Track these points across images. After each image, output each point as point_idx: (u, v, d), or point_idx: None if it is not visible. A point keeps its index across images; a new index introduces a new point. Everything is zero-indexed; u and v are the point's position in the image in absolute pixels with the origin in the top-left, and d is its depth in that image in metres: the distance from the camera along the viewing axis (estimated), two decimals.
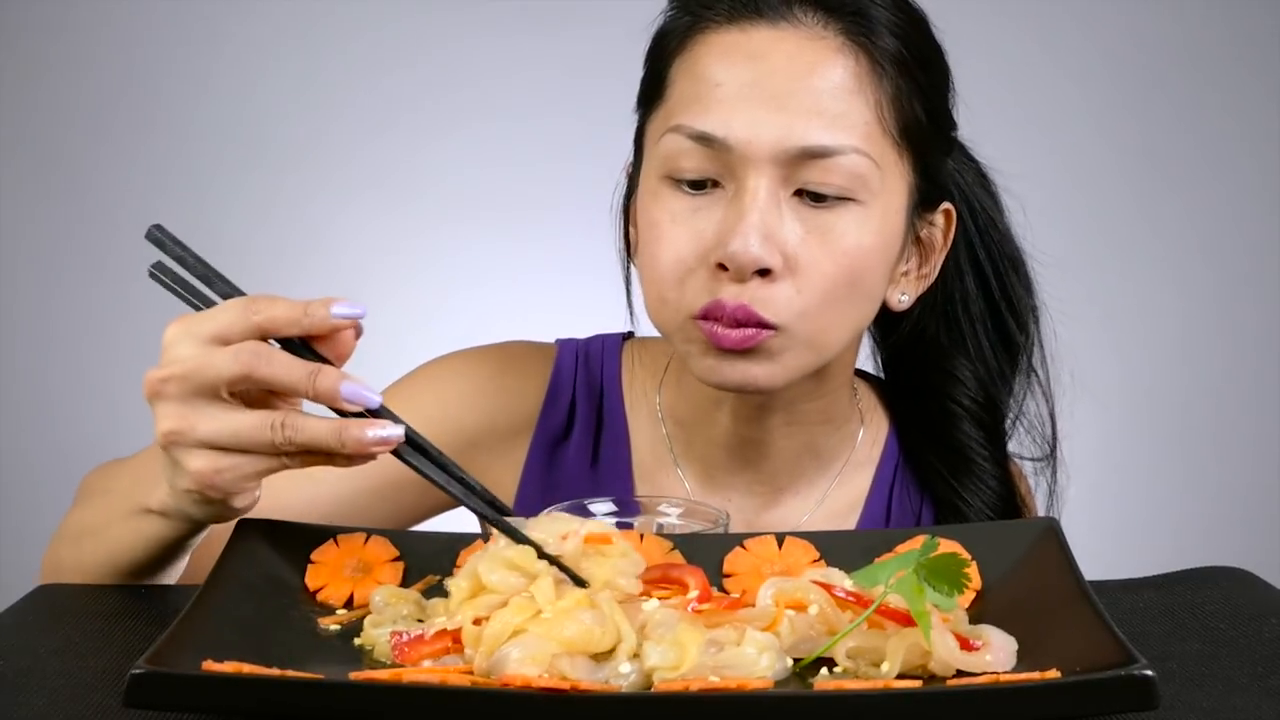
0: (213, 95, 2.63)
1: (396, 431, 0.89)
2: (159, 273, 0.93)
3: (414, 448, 0.92)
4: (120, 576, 1.05)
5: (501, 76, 2.61)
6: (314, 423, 0.89)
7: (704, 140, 1.10)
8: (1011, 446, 1.32)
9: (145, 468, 1.00)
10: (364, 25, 2.64)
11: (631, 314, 1.29)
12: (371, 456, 0.90)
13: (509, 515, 0.92)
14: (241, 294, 0.92)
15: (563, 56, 2.55)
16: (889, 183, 1.12)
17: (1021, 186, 1.32)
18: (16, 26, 2.60)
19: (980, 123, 1.30)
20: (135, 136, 2.62)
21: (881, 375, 1.36)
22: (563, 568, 0.88)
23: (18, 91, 2.61)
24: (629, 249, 1.25)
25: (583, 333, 1.35)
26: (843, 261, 1.10)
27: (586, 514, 1.04)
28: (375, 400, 0.89)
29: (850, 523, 1.28)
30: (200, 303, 0.92)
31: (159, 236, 0.93)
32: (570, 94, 2.48)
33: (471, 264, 2.62)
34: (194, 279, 0.93)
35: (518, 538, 0.89)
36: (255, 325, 0.88)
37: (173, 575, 1.07)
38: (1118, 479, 2.56)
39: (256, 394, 0.91)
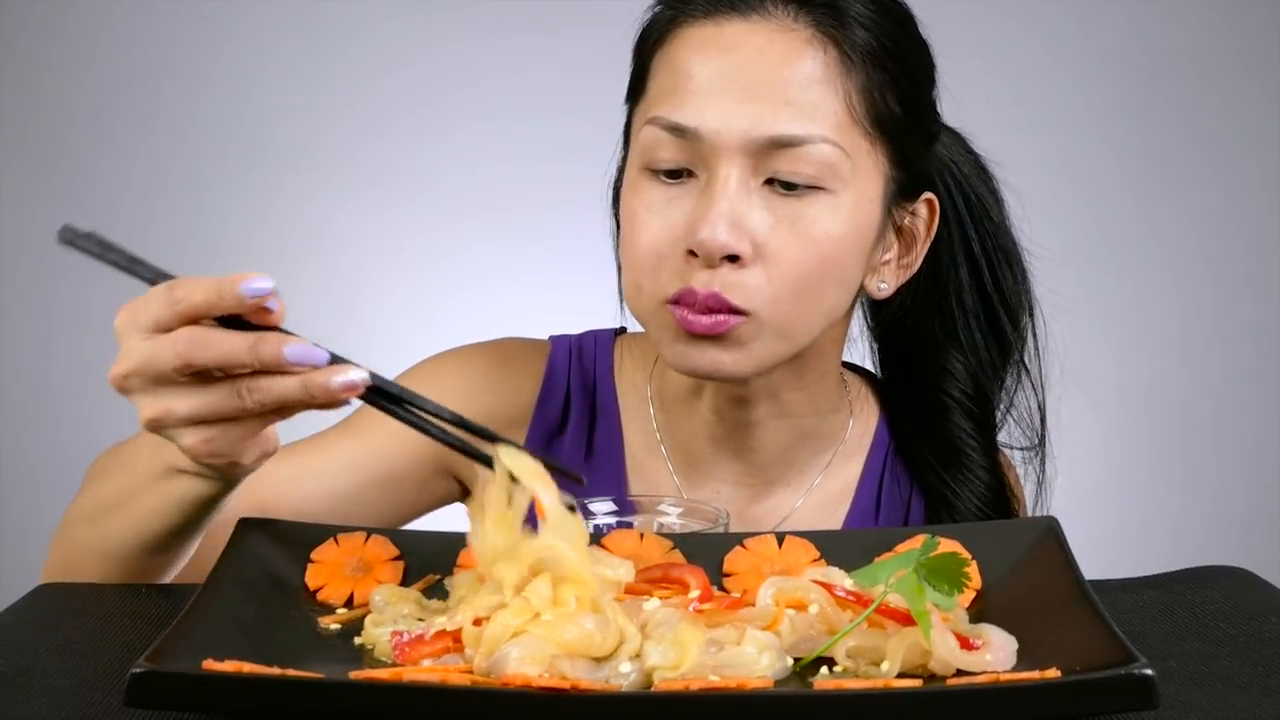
0: (213, 95, 2.62)
1: (361, 375, 0.89)
2: (79, 241, 0.92)
3: (379, 392, 0.91)
4: (146, 550, 1.04)
5: (501, 76, 2.61)
6: (279, 381, 0.88)
7: (678, 131, 1.12)
8: (1001, 437, 1.33)
9: None
10: (364, 25, 2.64)
11: (622, 307, 1.30)
12: (345, 402, 0.89)
13: (480, 433, 0.92)
14: (168, 276, 0.91)
15: (563, 56, 2.55)
16: (861, 172, 1.14)
17: (1020, 185, 1.33)
18: (16, 26, 2.60)
19: (980, 122, 1.30)
20: (135, 136, 2.62)
21: (875, 368, 1.36)
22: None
23: (18, 91, 2.60)
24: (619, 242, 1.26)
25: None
26: (813, 249, 1.12)
27: (587, 513, 1.04)
28: (323, 356, 0.88)
29: (840, 512, 1.28)
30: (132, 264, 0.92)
31: (70, 238, 0.93)
32: (570, 94, 2.47)
33: (471, 264, 2.62)
34: (120, 270, 0.93)
35: (481, 459, 0.90)
36: (179, 314, 0.88)
37: (189, 554, 1.06)
38: (1117, 479, 2.56)
39: None
